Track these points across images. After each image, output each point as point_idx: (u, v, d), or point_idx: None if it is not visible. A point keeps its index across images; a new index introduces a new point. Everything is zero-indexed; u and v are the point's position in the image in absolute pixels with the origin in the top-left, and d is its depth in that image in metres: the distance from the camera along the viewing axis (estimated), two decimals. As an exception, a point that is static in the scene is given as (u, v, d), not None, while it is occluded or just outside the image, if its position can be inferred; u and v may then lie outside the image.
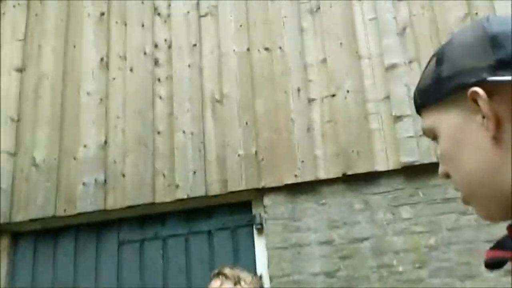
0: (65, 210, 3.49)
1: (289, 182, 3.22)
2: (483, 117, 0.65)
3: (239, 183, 3.30)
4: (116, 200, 3.46)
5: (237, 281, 1.89)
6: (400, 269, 2.93)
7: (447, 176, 0.74)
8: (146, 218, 3.55)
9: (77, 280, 3.50)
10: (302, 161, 3.23)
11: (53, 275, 3.53)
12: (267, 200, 3.26)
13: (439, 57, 0.72)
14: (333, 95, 3.30)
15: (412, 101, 0.79)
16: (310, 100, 3.34)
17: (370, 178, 3.09)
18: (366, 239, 3.03)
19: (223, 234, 3.40)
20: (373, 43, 3.36)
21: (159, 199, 3.40)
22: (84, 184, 3.52)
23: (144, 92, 3.63)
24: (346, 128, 3.21)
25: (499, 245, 0.69)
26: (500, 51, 0.65)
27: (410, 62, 3.26)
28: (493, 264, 0.69)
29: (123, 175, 3.49)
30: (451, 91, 0.69)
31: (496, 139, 0.65)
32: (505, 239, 0.68)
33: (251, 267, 3.26)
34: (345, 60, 3.37)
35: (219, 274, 1.93)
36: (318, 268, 3.05)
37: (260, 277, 2.09)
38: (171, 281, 3.38)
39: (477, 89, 0.65)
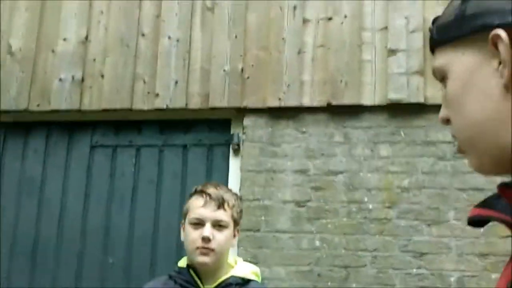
0: (38, 105, 3.59)
1: (272, 105, 3.30)
2: (500, 62, 0.66)
3: (221, 99, 3.37)
4: (92, 101, 3.54)
5: (220, 204, 1.88)
6: (370, 206, 3.06)
7: (447, 121, 0.75)
8: (122, 124, 3.65)
9: (45, 179, 3.65)
10: (288, 85, 3.29)
11: (20, 170, 3.69)
12: (247, 121, 3.35)
13: None
14: (330, 18, 3.32)
15: (428, 35, 0.80)
16: (305, 21, 3.35)
17: (354, 111, 3.17)
18: (341, 172, 3.15)
19: (198, 150, 3.52)
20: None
21: (136, 105, 3.49)
22: (60, 80, 3.59)
23: (132, -11, 3.61)
24: (337, 55, 3.25)
25: (486, 203, 0.71)
26: None
27: (414, -6, 3.23)
28: (477, 222, 0.72)
29: (102, 76, 3.56)
30: (473, 30, 0.68)
31: (508, 88, 0.65)
32: (493, 197, 0.70)
33: (222, 187, 3.38)
34: (348, -18, 3.33)
35: (203, 192, 1.91)
36: (289, 196, 3.18)
37: (240, 198, 2.09)
38: (141, 191, 3.54)
39: (500, 32, 0.65)
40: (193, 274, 1.90)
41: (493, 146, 0.67)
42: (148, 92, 3.50)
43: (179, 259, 3.28)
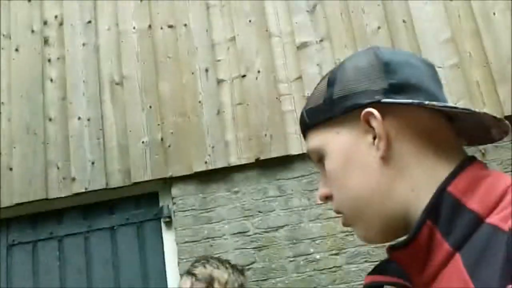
0: None
1: (199, 169, 3.19)
2: (374, 137, 0.71)
3: (143, 172, 3.22)
4: (4, 198, 3.26)
5: (209, 283, 1.70)
6: (317, 256, 2.98)
7: (326, 198, 0.79)
8: (39, 216, 3.39)
9: (-41, 291, 3.25)
10: (213, 147, 3.20)
11: None
12: (175, 191, 3.20)
13: (331, 79, 0.77)
14: (243, 76, 3.30)
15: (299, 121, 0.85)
16: (219, 81, 3.32)
17: (284, 162, 3.12)
18: (282, 227, 3.06)
19: (127, 229, 3.31)
20: (283, 20, 3.37)
21: (52, 194, 3.25)
22: (-36, 180, 3.27)
23: (32, 74, 3.43)
24: (258, 110, 3.22)
25: (378, 269, 0.75)
26: (392, 75, 0.73)
27: (321, 40, 3.31)
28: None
29: (10, 169, 3.30)
30: (343, 111, 0.74)
31: (385, 159, 0.71)
32: (384, 262, 0.74)
33: (159, 265, 3.19)
34: (255, 39, 3.35)
35: (189, 273, 1.75)
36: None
37: (242, 270, 1.87)
38: (69, 285, 3.23)
39: (372, 110, 0.71)
40: None
41: (379, 215, 0.72)
42: (64, 178, 3.27)
43: None
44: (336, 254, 2.98)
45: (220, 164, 3.18)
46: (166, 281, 3.16)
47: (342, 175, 0.74)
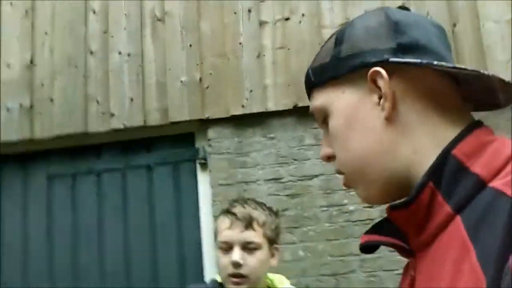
0: (-14, 139, 3.31)
1: (235, 113, 3.13)
2: (380, 97, 0.70)
3: (181, 112, 3.19)
4: (44, 129, 3.30)
5: (248, 224, 1.68)
6: (351, 208, 2.93)
7: (328, 158, 0.78)
8: (78, 150, 3.41)
9: (2, 219, 3.36)
10: (251, 91, 3.12)
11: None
12: (211, 133, 3.17)
13: (339, 37, 0.76)
14: (287, 19, 3.17)
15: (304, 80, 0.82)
16: (262, 23, 3.20)
17: (323, 110, 3.00)
18: (316, 176, 3.00)
19: (163, 169, 3.31)
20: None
21: (92, 128, 3.27)
22: (8, 109, 3.33)
23: (75, 5, 3.39)
24: (299, 55, 3.11)
25: (374, 229, 0.75)
26: (401, 35, 0.72)
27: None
28: (367, 248, 0.75)
29: (51, 100, 3.32)
30: (350, 69, 0.73)
31: (389, 120, 0.70)
32: (381, 223, 0.75)
33: (193, 206, 3.20)
34: (302, -21, 3.20)
35: (228, 212, 1.72)
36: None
37: (277, 212, 1.87)
38: (107, 219, 3.31)
39: (379, 69, 0.70)
40: None
41: (380, 176, 0.72)
42: (103, 113, 3.28)
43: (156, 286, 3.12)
44: (370, 207, 2.91)
45: (257, 109, 3.11)
46: (199, 221, 3.18)
47: (346, 134, 0.74)
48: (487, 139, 0.67)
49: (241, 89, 3.15)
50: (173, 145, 3.35)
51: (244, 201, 1.78)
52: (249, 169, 3.09)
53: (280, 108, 3.08)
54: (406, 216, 0.67)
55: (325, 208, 2.96)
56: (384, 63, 0.70)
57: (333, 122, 0.75)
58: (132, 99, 3.25)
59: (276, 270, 2.89)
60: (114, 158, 3.39)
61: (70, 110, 3.29)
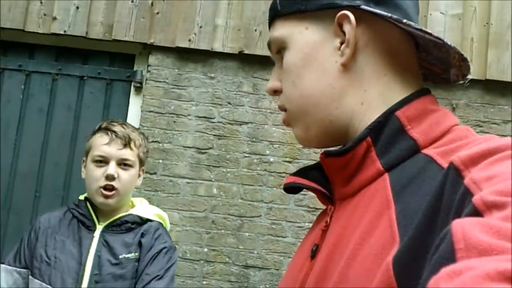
0: None
1: (181, 45, 3.15)
2: (341, 43, 0.69)
3: (126, 32, 3.16)
4: (-21, 16, 3.14)
5: (127, 143, 1.78)
6: (271, 159, 3.07)
7: (275, 92, 0.77)
8: (12, 46, 3.30)
9: None
10: (201, 27, 3.14)
11: None
12: (153, 59, 3.18)
13: None
14: (252, -37, 3.17)
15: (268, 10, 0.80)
16: (225, -39, 3.18)
17: (266, 62, 3.10)
18: (246, 123, 3.11)
19: (96, 83, 3.29)
20: None
21: (30, 27, 3.18)
22: None
23: None
24: (255, 3, 3.15)
25: (301, 172, 0.76)
26: None
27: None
28: (291, 189, 0.77)
29: (-7, -10, 3.15)
30: (319, 7, 0.70)
31: (345, 67, 0.69)
32: (310, 167, 0.76)
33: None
34: None
35: (107, 130, 1.79)
36: (191, 141, 3.10)
37: (147, 138, 1.98)
38: (29, 120, 3.26)
39: (349, 13, 0.68)
40: (90, 209, 1.84)
41: (322, 120, 0.71)
42: (45, 15, 3.18)
43: (66, 195, 3.15)
44: (289, 162, 3.08)
45: (203, 46, 3.14)
46: (122, 142, 3.20)
47: (299, 71, 0.72)
48: (431, 108, 0.68)
49: (191, 23, 3.15)
50: (111, 62, 3.33)
51: (122, 122, 1.87)
52: (183, 103, 3.14)
53: (226, 50, 3.13)
54: (338, 164, 0.68)
55: (247, 155, 3.10)
56: (354, 9, 0.68)
57: (288, 56, 0.73)
58: (78, 7, 3.17)
59: (187, 202, 3.03)
60: (47, 61, 3.32)
61: (11, 4, 3.16)
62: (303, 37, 0.72)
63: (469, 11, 3.14)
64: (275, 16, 0.76)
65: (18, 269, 1.81)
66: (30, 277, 1.77)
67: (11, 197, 3.18)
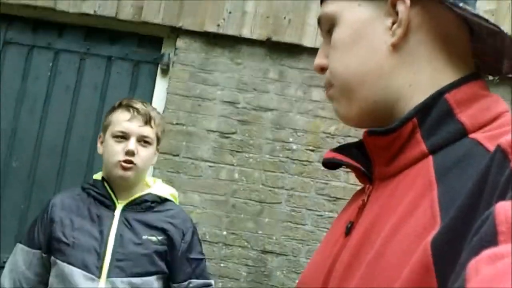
0: None
1: (209, 30, 3.16)
2: (393, 23, 0.68)
3: (155, 15, 3.18)
4: (12, -7, 3.17)
5: (148, 120, 1.81)
6: (294, 147, 3.08)
7: (322, 69, 0.76)
8: (42, 23, 3.34)
9: None
10: (230, 12, 3.15)
11: None
12: (180, 42, 3.19)
13: None
14: (284, -49, 3.17)
15: None
16: (258, -51, 3.18)
17: (293, 50, 3.12)
18: (270, 110, 3.12)
19: (124, 64, 3.32)
20: None
21: (60, 6, 3.20)
22: (-24, -38, 3.16)
23: None
24: (285, -9, 3.13)
25: (341, 148, 0.76)
26: None
27: None
28: (329, 164, 0.76)
29: (26, -33, 3.18)
30: None
31: (395, 48, 0.68)
32: (351, 144, 0.76)
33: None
34: None
35: (129, 106, 1.82)
36: (215, 125, 3.12)
37: (164, 117, 2.03)
38: (55, 98, 3.30)
39: None
40: (108, 188, 1.85)
41: (368, 98, 0.70)
42: (76, -6, 3.20)
43: (89, 172, 3.18)
44: (311, 150, 3.09)
45: (231, 32, 3.15)
46: (146, 123, 3.23)
47: (348, 47, 0.71)
48: (481, 93, 0.67)
49: (221, 8, 3.16)
50: (139, 44, 3.34)
51: (142, 100, 1.91)
52: (208, 87, 3.16)
53: (254, 37, 3.14)
54: (381, 143, 0.68)
55: (270, 141, 3.11)
56: None
57: (338, 32, 0.73)
58: (109, -12, 3.19)
59: (208, 185, 3.05)
60: (76, 40, 3.34)
61: (44, -19, 3.19)
62: (354, 13, 0.71)
63: (504, 6, 3.12)
64: None
65: (33, 250, 1.84)
66: (52, 258, 1.79)
67: (35, 171, 3.23)
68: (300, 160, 3.07)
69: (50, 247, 1.80)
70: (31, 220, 2.01)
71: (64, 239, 1.77)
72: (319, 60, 0.77)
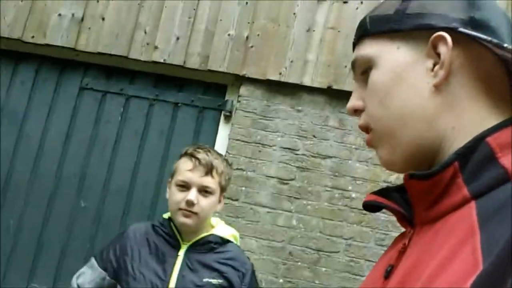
0: (32, 37, 3.44)
1: (271, 78, 3.22)
2: (434, 64, 0.68)
3: (220, 63, 3.28)
4: (89, 42, 3.41)
5: (209, 170, 1.84)
6: (353, 195, 3.04)
7: (355, 111, 0.76)
8: (115, 71, 3.52)
9: (28, 113, 3.53)
10: (292, 61, 3.20)
11: (4, 100, 3.53)
12: (243, 90, 3.26)
13: None
14: (345, 2, 3.22)
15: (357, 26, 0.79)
16: (320, 0, 3.24)
17: (354, 98, 3.09)
18: (330, 157, 3.10)
19: (189, 110, 3.42)
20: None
21: (133, 54, 3.37)
22: (59, 15, 3.43)
23: None
24: (347, 40, 3.17)
25: (383, 191, 0.74)
26: (476, 10, 0.69)
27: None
28: (370, 207, 0.76)
29: (103, 18, 3.42)
30: (414, 27, 0.70)
31: (438, 89, 0.68)
32: (392, 188, 0.74)
33: (208, 151, 3.30)
34: (370, -32, 3.24)
35: (192, 156, 1.86)
36: (274, 171, 3.13)
37: (230, 164, 2.02)
38: (124, 142, 3.44)
39: (445, 34, 0.67)
40: (174, 228, 1.89)
41: (410, 142, 0.69)
42: (148, 43, 3.37)
43: (152, 215, 3.27)
44: (371, 200, 3.02)
45: (292, 80, 3.20)
46: (209, 168, 3.30)
47: (388, 90, 0.71)
48: None
49: (283, 57, 3.23)
50: (205, 91, 3.45)
51: (207, 149, 1.91)
52: (269, 133, 3.20)
53: (315, 85, 3.17)
54: (422, 187, 0.66)
55: (329, 189, 3.08)
56: (451, 31, 0.67)
57: (376, 75, 0.72)
58: (178, 38, 3.34)
59: (266, 231, 3.04)
60: (146, 87, 3.50)
61: (118, 32, 3.39)
62: (394, 56, 0.71)
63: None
64: (363, 34, 0.76)
65: (99, 269, 1.92)
66: (118, 286, 1.86)
67: (101, 212, 3.35)
68: (359, 209, 3.02)
69: (117, 275, 1.87)
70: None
71: (131, 272, 1.83)
72: (353, 102, 0.76)
